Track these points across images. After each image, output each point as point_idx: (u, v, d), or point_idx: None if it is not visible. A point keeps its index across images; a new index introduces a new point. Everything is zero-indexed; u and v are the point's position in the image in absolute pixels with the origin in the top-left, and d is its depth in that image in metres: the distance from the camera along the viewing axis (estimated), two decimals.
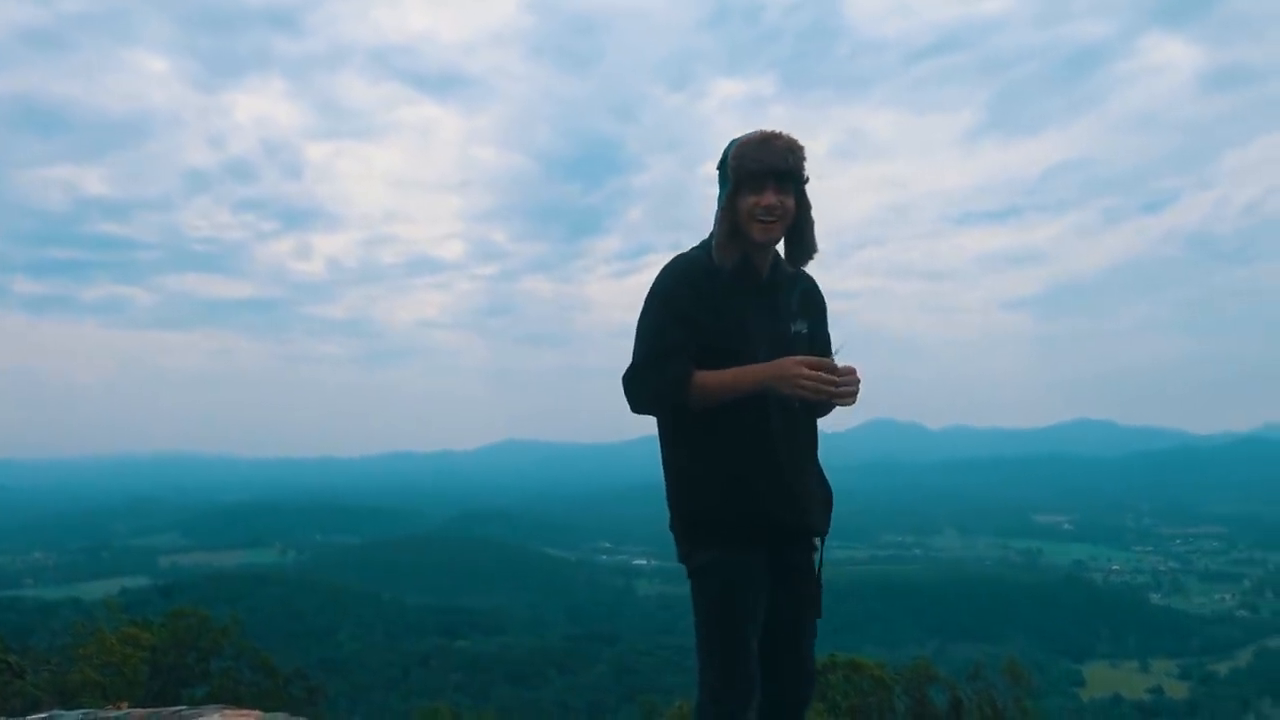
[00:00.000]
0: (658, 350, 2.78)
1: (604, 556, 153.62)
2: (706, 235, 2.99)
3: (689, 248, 3.00)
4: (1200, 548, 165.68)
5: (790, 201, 2.82)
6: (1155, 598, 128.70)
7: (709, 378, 2.78)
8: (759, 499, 2.85)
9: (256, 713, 4.05)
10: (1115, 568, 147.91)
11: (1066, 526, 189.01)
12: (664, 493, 3.13)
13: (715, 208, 2.91)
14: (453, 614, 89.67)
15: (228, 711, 4.07)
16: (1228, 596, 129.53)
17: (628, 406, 2.89)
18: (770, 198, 2.77)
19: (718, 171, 2.90)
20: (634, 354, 2.85)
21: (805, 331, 2.98)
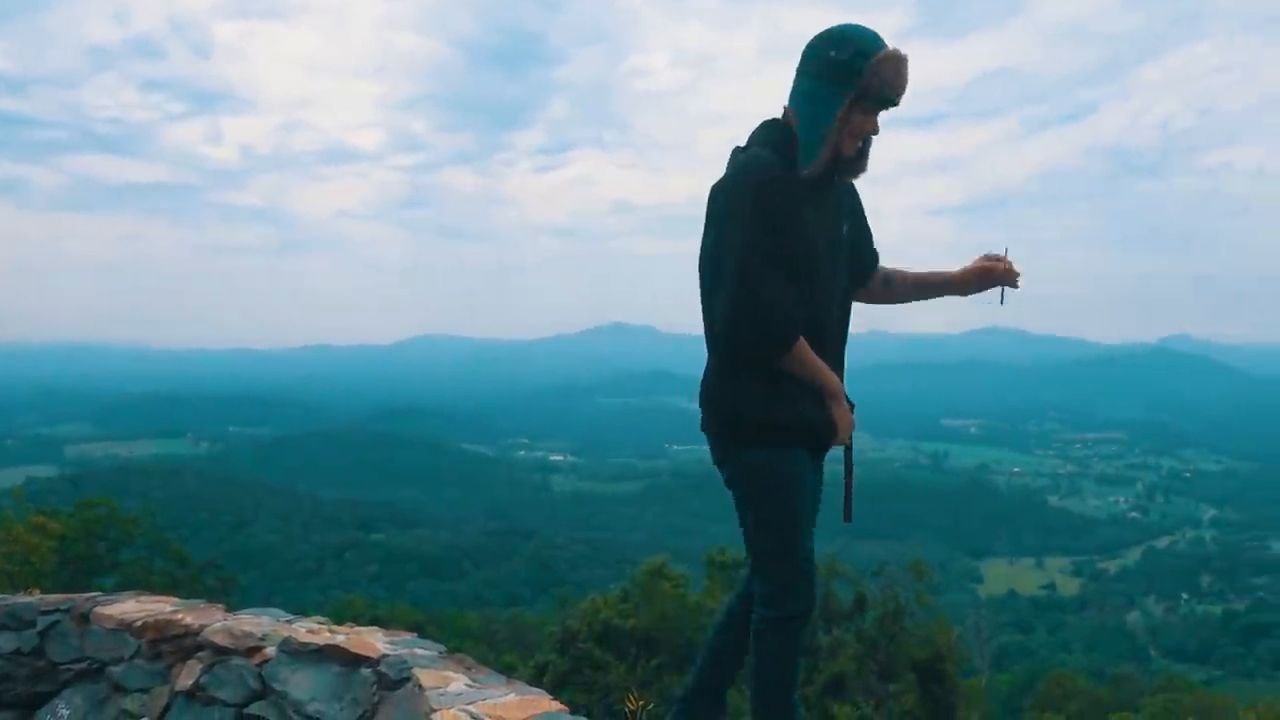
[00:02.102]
0: (772, 300, 2.57)
1: (522, 453, 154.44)
2: (759, 126, 2.78)
3: (747, 148, 2.74)
4: (1099, 452, 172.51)
5: None
6: (1053, 499, 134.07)
7: (807, 354, 2.69)
8: (824, 406, 2.77)
9: (173, 599, 4.00)
10: (1017, 470, 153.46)
11: (973, 430, 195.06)
12: (701, 392, 3.05)
13: (803, 100, 2.66)
14: (369, 507, 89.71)
15: (143, 597, 4.02)
16: (1121, 499, 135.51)
17: (725, 334, 2.69)
18: (875, 124, 2.63)
19: (815, 55, 2.63)
20: (741, 283, 2.57)
21: (845, 231, 2.86)
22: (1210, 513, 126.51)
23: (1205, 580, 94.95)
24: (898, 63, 2.54)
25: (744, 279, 2.53)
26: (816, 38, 2.63)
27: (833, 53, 2.56)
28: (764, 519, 2.86)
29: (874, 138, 2.70)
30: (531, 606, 47.50)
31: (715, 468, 3.06)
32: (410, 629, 3.84)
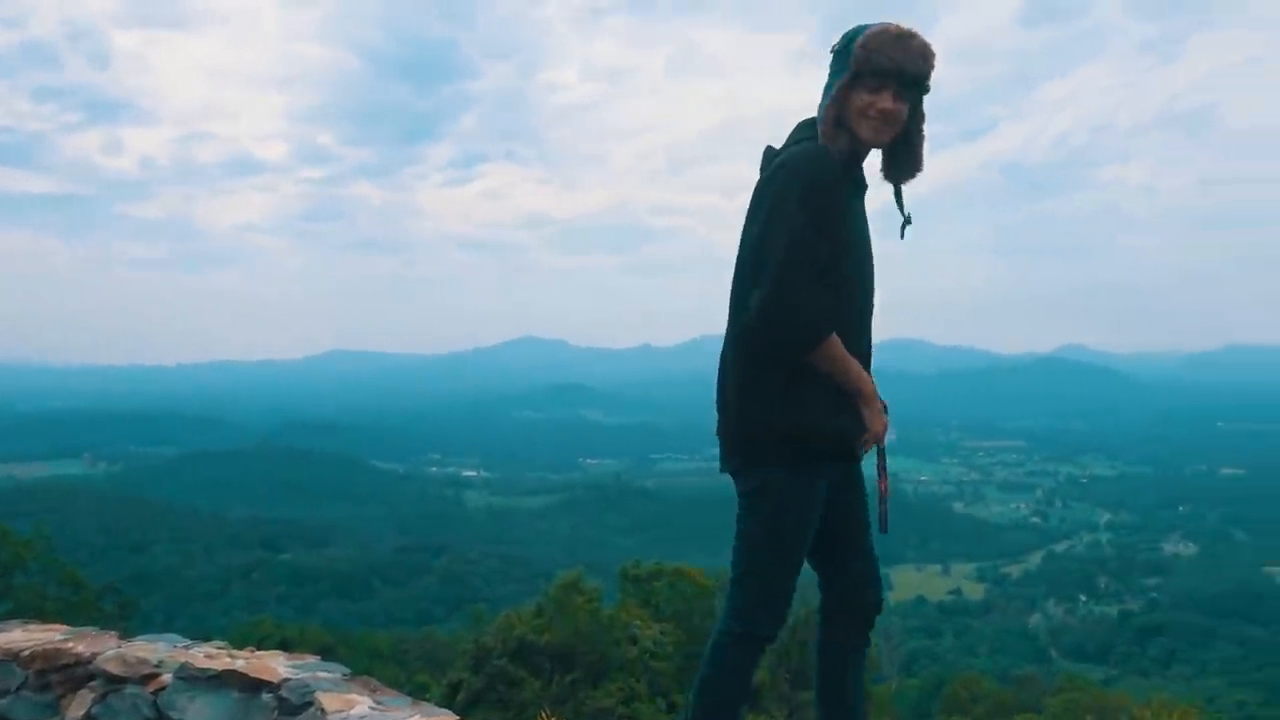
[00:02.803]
0: (810, 297, 2.48)
1: (433, 469, 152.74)
2: (796, 126, 2.71)
3: (797, 139, 2.65)
4: (1001, 460, 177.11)
5: (905, 109, 2.57)
6: (958, 506, 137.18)
7: (840, 353, 2.57)
8: (859, 420, 2.66)
9: (62, 627, 3.85)
10: (924, 479, 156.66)
11: None
12: (715, 402, 2.85)
13: (822, 96, 2.63)
14: (276, 526, 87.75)
15: (31, 626, 3.86)
16: (1022, 505, 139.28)
17: (757, 327, 2.52)
18: (888, 101, 2.51)
19: (832, 55, 2.62)
20: (780, 282, 2.45)
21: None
22: (1106, 517, 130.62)
23: (1102, 582, 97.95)
24: (892, 36, 2.50)
25: (784, 274, 2.44)
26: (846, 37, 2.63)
27: (835, 46, 2.60)
28: (762, 536, 2.76)
29: (926, 134, 2.67)
30: (444, 624, 46.90)
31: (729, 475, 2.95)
32: (318, 651, 3.75)
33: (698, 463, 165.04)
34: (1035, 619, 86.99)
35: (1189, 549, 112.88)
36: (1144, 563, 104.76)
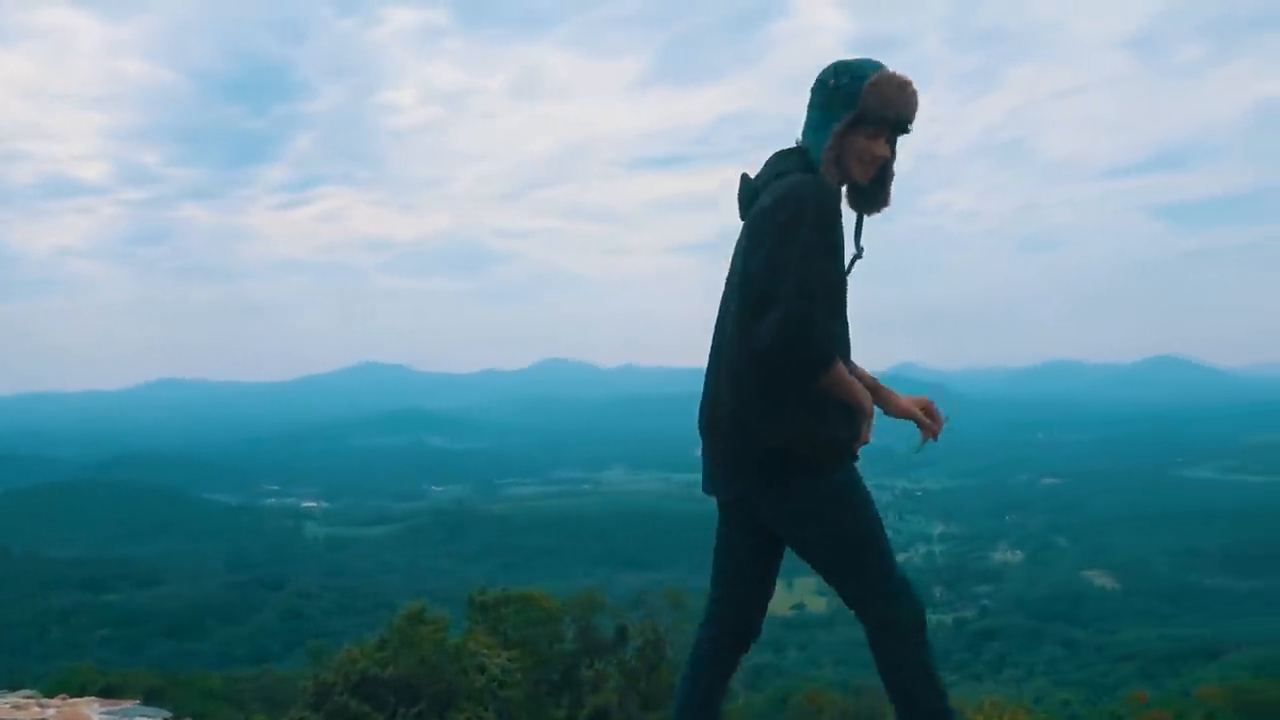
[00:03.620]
0: (825, 322, 2.57)
1: (270, 500, 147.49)
2: (772, 157, 2.76)
3: (781, 170, 2.69)
4: None
5: (890, 152, 2.67)
6: None
7: (845, 374, 2.67)
8: (854, 424, 2.82)
9: None
10: None
11: None
12: (720, 422, 3.02)
13: (807, 129, 2.71)
14: (100, 565, 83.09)
15: None
16: None
17: (774, 350, 2.52)
18: (883, 147, 2.61)
19: (821, 86, 2.66)
20: (795, 309, 2.45)
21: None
22: (939, 528, 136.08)
23: (938, 591, 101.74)
24: (897, 85, 2.57)
25: (799, 301, 2.44)
26: (822, 71, 2.67)
27: (832, 80, 2.62)
28: (847, 542, 2.85)
29: (895, 172, 2.73)
30: (283, 661, 45.17)
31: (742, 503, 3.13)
32: (146, 694, 3.53)
33: (544, 487, 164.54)
34: None
35: (1016, 556, 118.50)
36: (975, 571, 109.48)
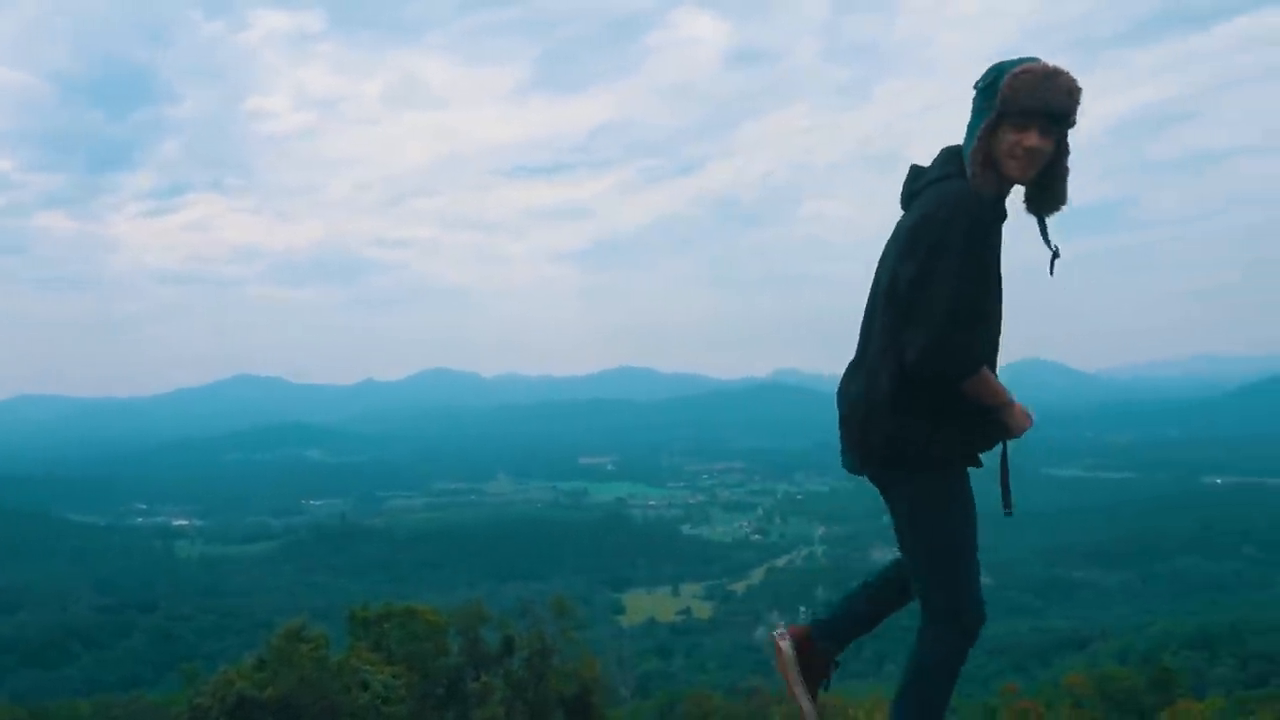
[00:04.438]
0: (977, 334, 2.67)
1: (139, 519, 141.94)
2: (941, 154, 2.80)
3: (944, 172, 2.72)
4: (724, 481, 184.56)
5: (1051, 146, 2.61)
6: (686, 528, 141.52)
7: (990, 380, 2.81)
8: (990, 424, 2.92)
9: None
10: (652, 503, 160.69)
11: (609, 467, 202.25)
12: (841, 415, 3.19)
13: (966, 132, 2.69)
14: None
15: None
16: (745, 523, 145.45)
17: (918, 369, 2.66)
18: (1034, 139, 2.56)
19: (975, 91, 2.67)
20: (946, 329, 2.57)
21: None
22: (821, 530, 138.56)
23: (819, 592, 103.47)
24: (1041, 74, 2.55)
25: (956, 313, 2.55)
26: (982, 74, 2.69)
27: (979, 82, 2.65)
28: (939, 540, 2.96)
29: (1070, 168, 2.71)
30: (155, 687, 43.49)
31: (872, 485, 3.25)
32: None
33: (427, 498, 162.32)
34: (760, 632, 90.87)
35: (894, 556, 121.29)
36: (856, 571, 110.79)
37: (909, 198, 2.82)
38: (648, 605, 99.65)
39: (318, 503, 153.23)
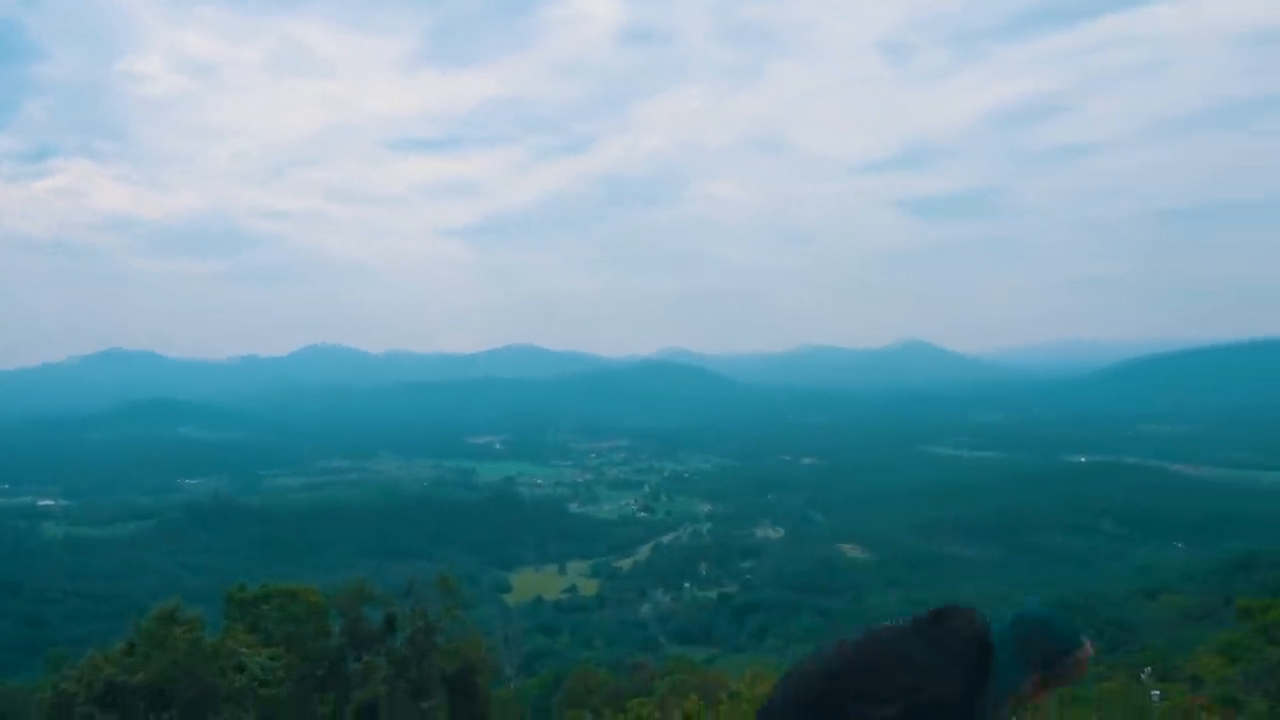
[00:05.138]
0: None
1: (2, 500, 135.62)
2: (963, 623, 3.16)
3: (943, 652, 3.05)
4: (610, 459, 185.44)
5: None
6: (573, 506, 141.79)
7: None
8: None
9: None
10: (540, 482, 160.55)
11: (498, 446, 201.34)
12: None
13: (1007, 663, 3.00)
14: None
15: None
16: (632, 501, 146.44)
17: None
18: (1043, 697, 3.07)
19: (1028, 638, 3.02)
20: None
21: None
22: (706, 507, 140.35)
23: (703, 568, 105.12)
24: (1080, 665, 2.91)
25: None
26: (1038, 623, 2.98)
27: (1048, 642, 2.93)
28: None
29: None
30: (19, 673, 41.73)
31: None
32: None
33: (309, 477, 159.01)
34: (645, 608, 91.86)
35: (777, 533, 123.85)
36: (739, 548, 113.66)
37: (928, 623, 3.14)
38: (535, 583, 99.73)
39: (193, 481, 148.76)
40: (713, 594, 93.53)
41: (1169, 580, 68.38)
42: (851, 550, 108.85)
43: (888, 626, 3.12)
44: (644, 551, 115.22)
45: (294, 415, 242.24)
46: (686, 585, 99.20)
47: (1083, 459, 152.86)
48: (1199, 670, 22.98)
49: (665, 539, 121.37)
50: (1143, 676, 25.81)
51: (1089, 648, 2.93)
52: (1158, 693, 20.94)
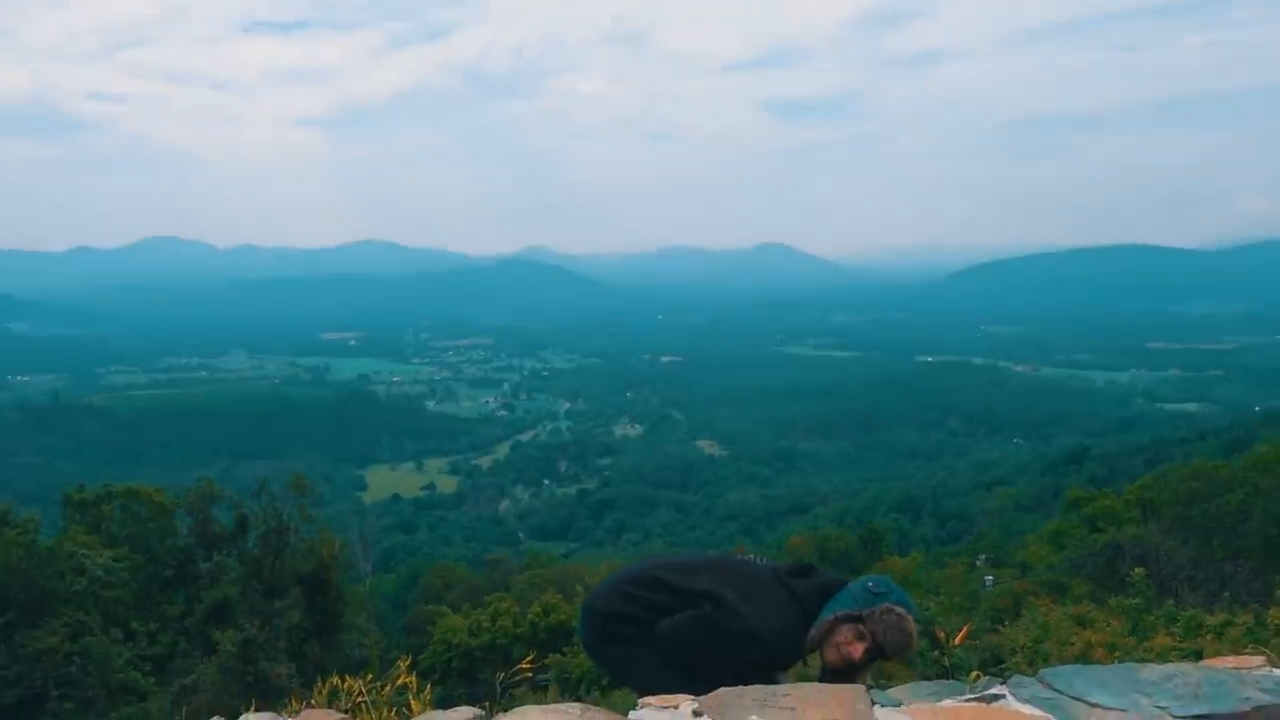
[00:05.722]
0: None
1: None
2: (815, 578, 3.15)
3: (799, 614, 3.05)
4: (470, 358, 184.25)
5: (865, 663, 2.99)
6: (431, 405, 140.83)
7: None
8: None
9: None
10: (396, 380, 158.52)
11: (352, 343, 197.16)
12: None
13: (831, 601, 3.03)
14: None
15: None
16: (491, 400, 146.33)
17: None
18: (859, 654, 2.93)
19: (860, 588, 3.01)
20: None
21: None
22: (565, 405, 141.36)
23: (563, 466, 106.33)
24: (899, 626, 2.90)
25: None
26: (878, 578, 3.08)
27: (870, 584, 3.01)
28: None
29: (862, 675, 2.98)
30: None
31: None
32: None
33: (154, 375, 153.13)
34: (505, 505, 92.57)
35: (636, 430, 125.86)
36: (598, 445, 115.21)
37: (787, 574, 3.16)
38: (392, 481, 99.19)
39: (25, 379, 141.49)
40: (571, 491, 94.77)
41: (1006, 474, 72.18)
42: (709, 447, 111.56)
43: (748, 559, 3.23)
44: (503, 449, 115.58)
45: (135, 311, 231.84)
46: (546, 482, 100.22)
47: (930, 359, 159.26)
48: (1028, 557, 24.45)
49: (524, 437, 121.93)
50: (977, 563, 27.44)
51: (910, 620, 2.98)
52: (990, 578, 22.29)
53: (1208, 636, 6.11)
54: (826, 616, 2.99)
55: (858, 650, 2.96)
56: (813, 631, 2.99)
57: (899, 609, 2.96)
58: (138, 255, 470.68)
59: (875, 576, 3.13)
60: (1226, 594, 10.70)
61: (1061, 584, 17.42)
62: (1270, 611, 6.91)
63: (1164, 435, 73.00)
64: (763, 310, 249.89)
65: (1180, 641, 5.97)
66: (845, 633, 2.97)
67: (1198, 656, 5.35)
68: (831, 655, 3.01)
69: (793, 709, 2.07)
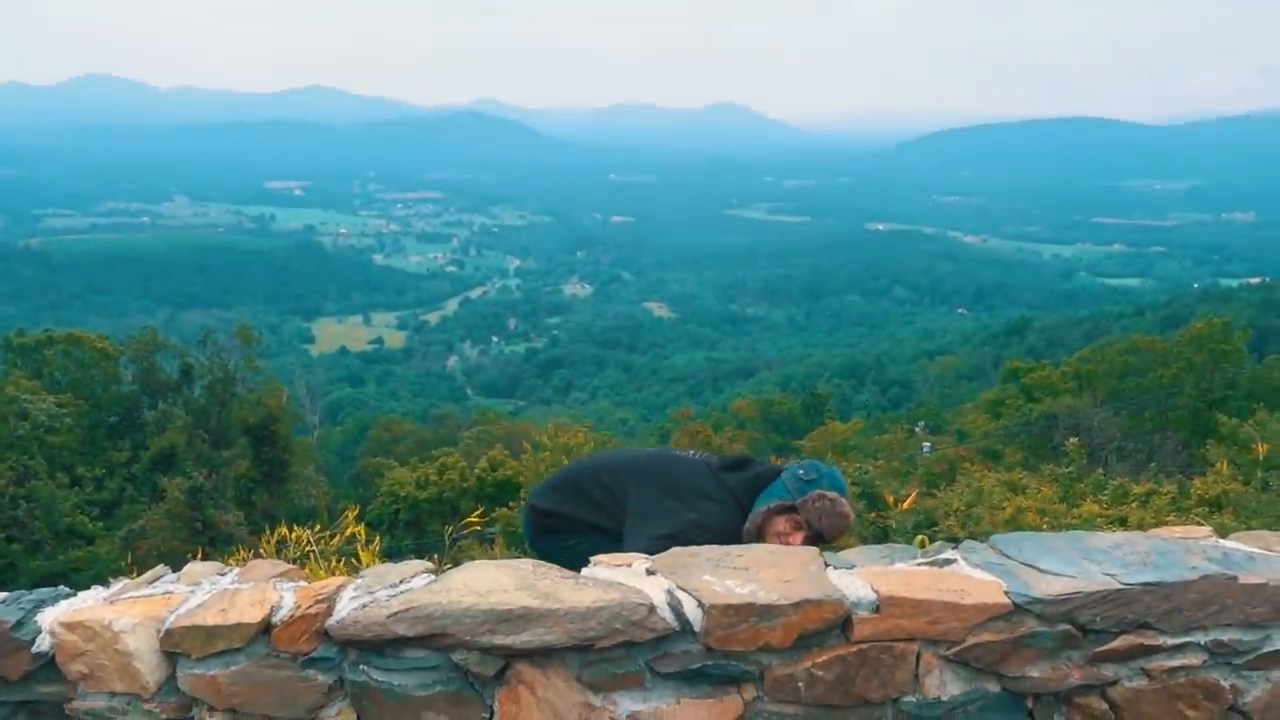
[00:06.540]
0: None
1: None
2: (753, 468, 3.14)
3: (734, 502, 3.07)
4: (419, 211, 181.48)
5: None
6: (379, 258, 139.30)
7: None
8: None
9: None
10: (343, 231, 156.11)
11: (298, 193, 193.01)
12: None
13: (766, 492, 3.04)
14: None
15: None
16: (439, 255, 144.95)
17: None
18: (798, 540, 2.94)
19: (789, 475, 3.04)
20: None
21: None
22: (515, 263, 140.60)
23: (512, 323, 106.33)
24: (833, 510, 2.94)
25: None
26: (808, 463, 3.11)
27: (801, 471, 3.04)
28: None
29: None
30: None
31: None
32: None
33: (93, 219, 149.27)
34: (453, 361, 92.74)
35: (585, 290, 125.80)
36: (548, 304, 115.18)
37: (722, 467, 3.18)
38: (339, 334, 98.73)
39: None
40: (520, 349, 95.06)
41: (950, 344, 73.32)
42: (658, 309, 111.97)
43: (681, 454, 3.26)
44: (452, 305, 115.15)
45: (70, 151, 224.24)
46: (494, 340, 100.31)
47: (881, 227, 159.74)
48: (966, 425, 25.04)
49: (474, 294, 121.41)
50: (916, 430, 28.10)
51: (844, 502, 3.03)
52: (928, 444, 22.86)
53: (1133, 505, 6.35)
54: (760, 508, 3.03)
55: (796, 539, 2.99)
56: (748, 524, 3.03)
57: (831, 494, 3.02)
58: (71, 94, 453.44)
59: (806, 462, 3.18)
60: (1153, 464, 11.08)
61: (997, 451, 17.95)
62: (1194, 482, 7.20)
63: (1104, 309, 74.35)
64: (715, 172, 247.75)
65: (1107, 509, 6.19)
66: (781, 523, 3.03)
67: (1123, 524, 5.59)
68: (771, 540, 3.04)
69: (746, 569, 2.12)
